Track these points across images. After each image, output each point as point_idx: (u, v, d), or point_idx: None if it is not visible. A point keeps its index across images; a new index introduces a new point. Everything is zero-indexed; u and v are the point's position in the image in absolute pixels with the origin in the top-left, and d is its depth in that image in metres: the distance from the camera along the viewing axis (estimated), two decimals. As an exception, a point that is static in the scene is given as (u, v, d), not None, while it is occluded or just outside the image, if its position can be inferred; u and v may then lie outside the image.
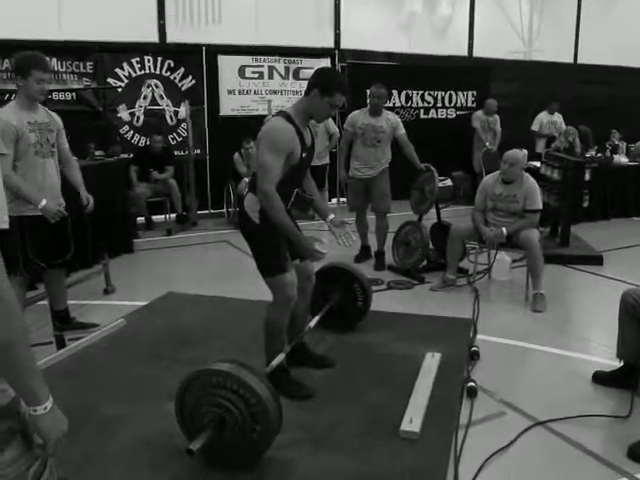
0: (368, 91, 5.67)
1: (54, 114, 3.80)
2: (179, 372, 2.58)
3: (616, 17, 11.84)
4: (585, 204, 6.20)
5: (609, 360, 3.48)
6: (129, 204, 6.64)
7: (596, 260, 5.78)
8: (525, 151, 5.04)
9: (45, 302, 4.11)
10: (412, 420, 2.80)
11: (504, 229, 4.70)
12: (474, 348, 3.68)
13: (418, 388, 3.17)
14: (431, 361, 3.50)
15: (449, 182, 9.65)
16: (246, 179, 6.37)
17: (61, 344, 3.70)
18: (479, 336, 3.97)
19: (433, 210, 5.64)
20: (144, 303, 4.58)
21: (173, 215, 7.68)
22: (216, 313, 4.41)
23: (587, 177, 6.10)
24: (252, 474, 2.48)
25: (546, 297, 4.62)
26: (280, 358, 3.05)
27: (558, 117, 9.88)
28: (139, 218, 7.35)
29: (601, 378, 3.35)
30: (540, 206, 4.78)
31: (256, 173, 2.96)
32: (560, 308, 4.67)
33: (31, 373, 1.23)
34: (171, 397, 2.56)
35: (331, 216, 3.32)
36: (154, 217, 7.61)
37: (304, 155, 3.00)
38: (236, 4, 8.47)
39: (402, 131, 5.57)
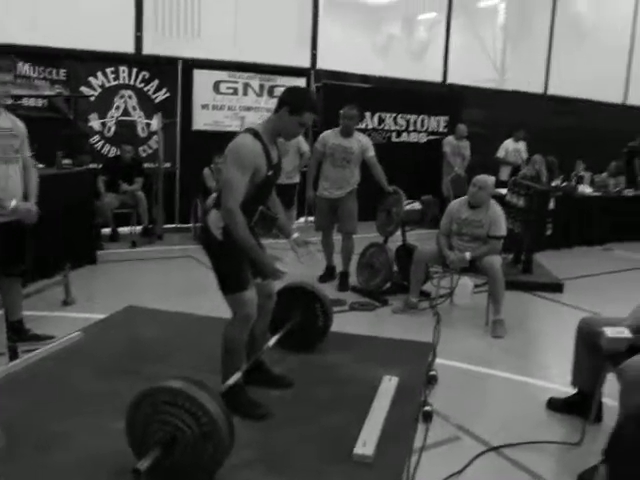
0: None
1: (18, 121, 3.74)
2: (133, 388, 2.53)
3: (586, 52, 12.19)
4: (548, 232, 6.31)
5: (565, 387, 3.51)
6: (95, 214, 6.57)
7: (556, 288, 5.88)
8: (493, 178, 5.12)
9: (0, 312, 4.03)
10: (366, 443, 2.79)
11: (467, 254, 4.75)
12: (432, 372, 3.69)
13: (373, 411, 3.16)
14: (388, 384, 3.49)
15: (417, 205, 9.72)
16: (214, 194, 6.35)
17: (14, 356, 3.62)
18: (439, 360, 3.98)
19: (399, 232, 5.68)
20: (104, 316, 4.50)
21: (139, 227, 7.61)
22: (175, 329, 4.36)
23: (551, 206, 6.21)
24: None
25: (506, 323, 4.68)
26: (237, 376, 3.02)
27: (522, 145, 10.06)
28: (104, 229, 7.27)
29: (555, 405, 3.39)
30: (504, 233, 4.86)
31: (220, 192, 2.96)
32: (520, 334, 4.73)
33: None
34: (123, 414, 2.50)
35: (294, 235, 3.32)
36: (120, 229, 7.53)
37: (270, 173, 3.00)
38: (214, 19, 8.51)
39: (372, 153, 5.62)
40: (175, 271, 6.33)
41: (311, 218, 9.05)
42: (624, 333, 2.82)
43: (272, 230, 3.29)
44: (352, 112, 5.57)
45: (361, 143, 5.62)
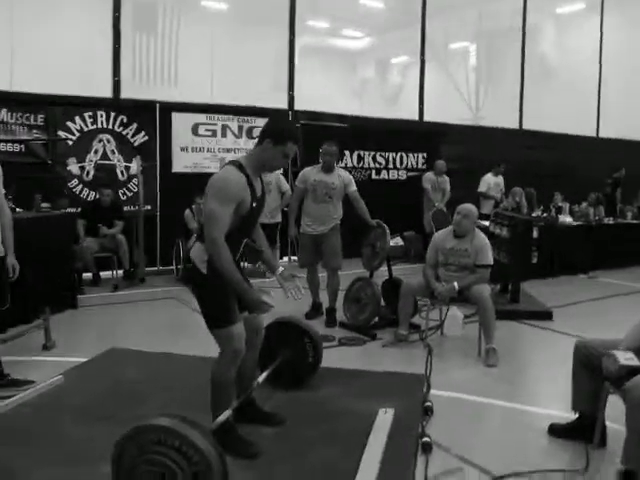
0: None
1: None
2: (118, 432, 2.39)
3: (556, 88, 12.53)
4: (534, 260, 6.31)
5: (563, 412, 3.43)
6: (75, 258, 6.44)
7: (546, 315, 5.85)
8: (475, 208, 5.12)
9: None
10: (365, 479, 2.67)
11: (455, 284, 4.70)
12: (427, 403, 3.59)
13: (370, 445, 3.05)
14: (384, 417, 3.39)
15: (400, 241, 9.71)
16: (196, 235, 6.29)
17: (-9, 402, 3.45)
18: (433, 391, 3.89)
19: (384, 267, 5.62)
20: (86, 359, 4.35)
21: (120, 272, 7.46)
22: (160, 369, 4.22)
23: (535, 234, 6.23)
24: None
25: (498, 352, 4.60)
26: (227, 414, 2.89)
27: (501, 179, 10.14)
28: (85, 274, 7.12)
29: (557, 431, 3.29)
30: (491, 261, 4.83)
31: (204, 223, 2.89)
32: (513, 362, 4.65)
33: None
34: (108, 459, 2.37)
35: (280, 269, 3.24)
36: (101, 273, 7.38)
37: (254, 205, 2.94)
38: (192, 64, 8.59)
39: (353, 187, 5.60)
40: (159, 313, 6.18)
41: (295, 257, 9.01)
42: (634, 360, 2.76)
43: (257, 263, 3.23)
44: (332, 148, 5.57)
45: (342, 178, 5.60)
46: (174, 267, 7.79)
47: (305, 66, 9.75)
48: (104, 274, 7.41)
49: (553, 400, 3.83)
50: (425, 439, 3.12)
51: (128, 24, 8.15)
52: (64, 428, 3.23)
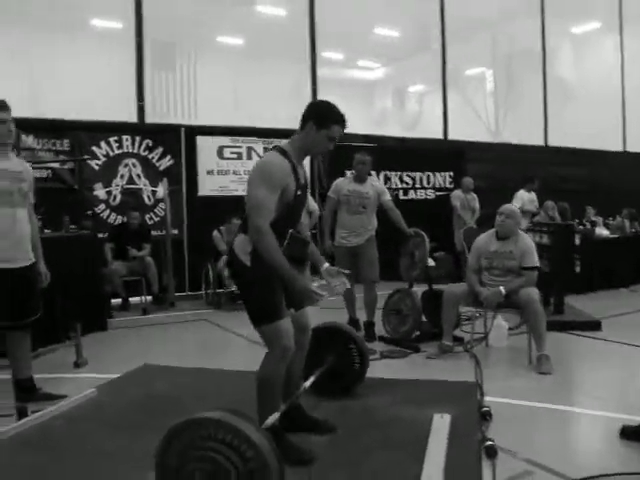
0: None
1: (28, 165, 3.57)
2: (153, 440, 2.19)
3: (578, 106, 12.38)
4: (577, 269, 6.05)
5: (628, 415, 3.17)
6: (103, 281, 6.31)
7: (594, 326, 5.56)
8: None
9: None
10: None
11: (502, 288, 4.47)
12: (485, 408, 3.35)
13: (431, 450, 2.81)
14: (441, 422, 3.15)
15: (431, 262, 9.49)
16: (225, 257, 6.14)
17: (23, 417, 3.27)
18: (487, 398, 3.64)
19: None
20: (117, 376, 4.17)
21: (149, 297, 7.30)
22: (195, 383, 4.02)
23: (577, 241, 5.98)
24: None
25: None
26: (275, 417, 2.68)
27: (534, 195, 9.91)
28: (114, 300, 6.99)
29: (628, 433, 3.03)
30: (538, 264, 4.60)
31: (246, 214, 2.74)
32: (566, 369, 4.40)
33: None
34: (144, 467, 2.24)
35: (326, 264, 3.08)
36: (130, 299, 7.23)
37: (299, 193, 2.80)
38: (215, 87, 8.57)
39: (388, 197, 5.46)
40: (190, 334, 6.00)
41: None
42: None
43: (304, 255, 3.05)
44: (365, 157, 5.43)
45: (376, 188, 5.45)
46: (203, 292, 7.63)
47: (323, 98, 9.67)
48: (133, 300, 7.27)
49: (618, 404, 3.57)
50: (489, 443, 2.87)
51: (148, 62, 8.23)
52: (98, 439, 3.06)
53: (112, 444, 2.97)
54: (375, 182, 5.53)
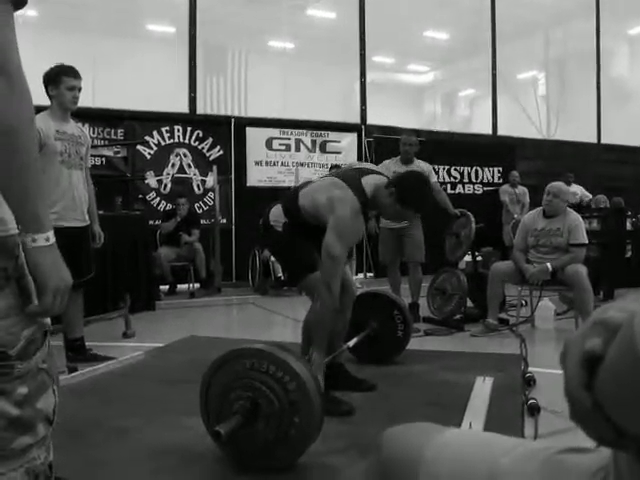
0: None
1: (85, 132, 3.73)
2: (197, 392, 2.26)
3: (634, 106, 12.07)
4: (628, 254, 5.88)
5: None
6: (153, 264, 6.47)
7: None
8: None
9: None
10: (471, 426, 2.43)
11: (549, 264, 4.41)
12: (529, 374, 3.31)
13: (472, 406, 2.80)
14: (483, 384, 3.14)
15: (479, 258, 9.39)
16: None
17: (74, 374, 3.40)
18: (532, 368, 3.59)
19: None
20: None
21: (197, 285, 7.43)
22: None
23: (629, 226, 5.82)
24: (288, 477, 2.11)
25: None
26: (321, 357, 2.72)
27: (577, 188, 9.67)
28: (162, 286, 7.14)
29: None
30: (586, 240, 4.52)
31: (294, 198, 2.89)
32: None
33: (35, 186, 1.00)
34: (188, 412, 2.36)
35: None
36: (178, 286, 7.38)
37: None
38: (264, 90, 8.73)
39: (434, 179, 5.46)
40: (236, 314, 6.12)
41: (370, 273, 8.84)
42: None
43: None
44: (412, 138, 5.44)
45: (422, 169, 5.42)
46: (250, 279, 7.72)
47: (372, 101, 9.72)
48: (180, 287, 7.42)
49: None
50: (532, 401, 2.84)
51: (200, 64, 8.45)
52: (144, 389, 3.17)
53: (158, 394, 3.07)
54: (422, 163, 5.51)
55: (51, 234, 1.01)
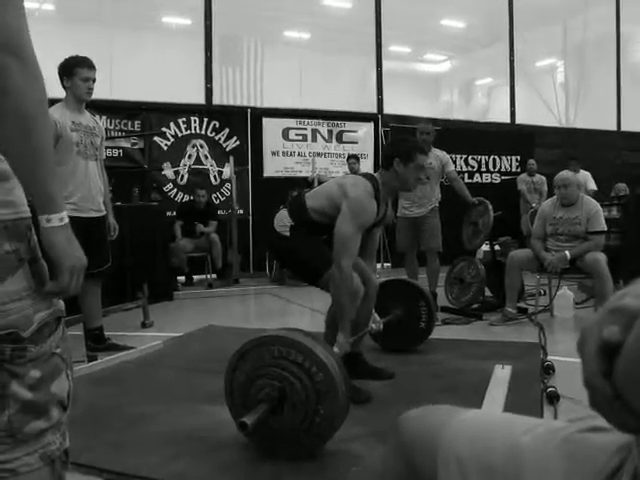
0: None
1: (99, 120, 3.75)
2: (217, 382, 2.30)
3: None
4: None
5: None
6: (171, 255, 6.51)
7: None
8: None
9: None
10: (489, 413, 2.41)
11: (567, 252, 4.37)
12: (548, 362, 3.29)
13: (490, 394, 2.79)
14: (502, 372, 3.12)
15: (497, 247, 9.32)
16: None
17: (94, 363, 3.43)
18: (551, 357, 3.56)
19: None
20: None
21: (214, 276, 7.46)
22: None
23: (650, 214, 5.74)
24: (312, 464, 2.12)
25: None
26: (346, 346, 2.74)
27: (584, 173, 9.51)
28: (179, 277, 7.18)
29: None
30: (605, 227, 4.47)
31: (299, 196, 2.95)
32: None
33: (48, 167, 1.00)
34: (208, 400, 2.40)
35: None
36: (194, 277, 7.42)
37: (369, 226, 2.91)
38: (280, 79, 8.73)
39: (451, 167, 5.42)
40: (253, 304, 6.14)
41: (388, 263, 8.81)
42: None
43: None
44: (429, 127, 5.40)
45: (439, 158, 5.40)
46: (267, 269, 7.74)
47: (389, 91, 9.67)
48: (197, 278, 7.46)
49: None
50: (551, 389, 2.83)
51: (216, 55, 8.44)
52: (163, 377, 3.20)
53: (177, 382, 3.09)
54: (439, 152, 5.46)
55: (65, 214, 1.02)
